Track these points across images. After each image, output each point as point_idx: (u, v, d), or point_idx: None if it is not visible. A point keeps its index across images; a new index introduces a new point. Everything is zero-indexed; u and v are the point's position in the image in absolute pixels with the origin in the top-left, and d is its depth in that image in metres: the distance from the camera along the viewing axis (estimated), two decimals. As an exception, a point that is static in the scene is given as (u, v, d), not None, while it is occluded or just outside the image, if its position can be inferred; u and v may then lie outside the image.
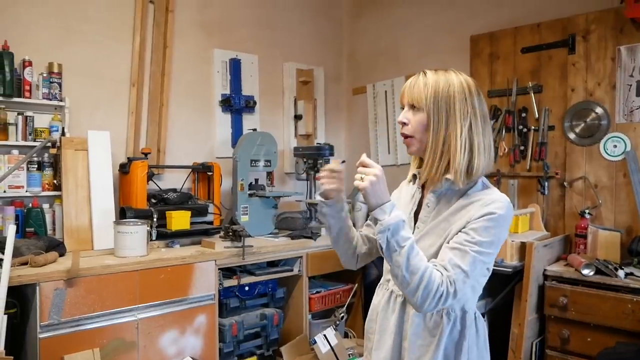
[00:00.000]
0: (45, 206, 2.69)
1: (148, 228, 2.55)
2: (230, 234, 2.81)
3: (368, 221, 1.53)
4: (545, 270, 2.71)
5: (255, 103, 3.69)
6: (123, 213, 2.77)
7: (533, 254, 2.61)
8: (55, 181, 2.73)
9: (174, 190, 3.13)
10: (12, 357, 1.96)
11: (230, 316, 2.85)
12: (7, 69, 2.54)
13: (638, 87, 2.81)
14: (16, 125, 2.65)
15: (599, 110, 2.94)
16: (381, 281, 1.48)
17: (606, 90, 2.92)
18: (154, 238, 2.70)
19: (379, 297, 1.46)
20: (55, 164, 2.74)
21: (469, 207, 1.27)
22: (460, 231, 1.25)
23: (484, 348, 1.38)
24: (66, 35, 2.89)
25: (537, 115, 3.16)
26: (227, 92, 3.59)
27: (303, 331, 3.09)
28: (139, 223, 2.52)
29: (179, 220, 2.84)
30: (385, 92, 4.02)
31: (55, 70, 2.74)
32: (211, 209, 3.18)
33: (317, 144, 3.89)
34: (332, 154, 3.41)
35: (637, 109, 2.82)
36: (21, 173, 2.62)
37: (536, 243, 2.65)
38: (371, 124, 4.14)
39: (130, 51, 3.14)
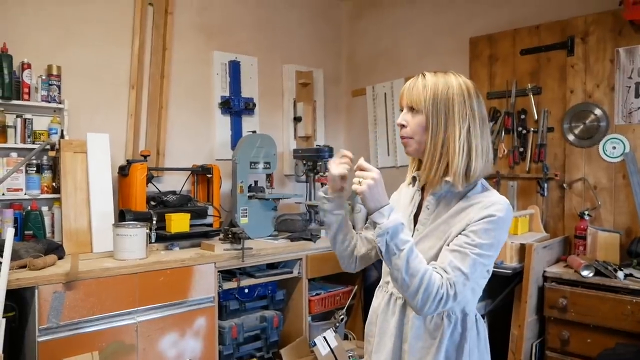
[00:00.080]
0: (44, 209, 2.68)
1: (147, 231, 2.55)
2: (230, 236, 2.81)
3: (367, 224, 1.53)
4: (544, 271, 2.71)
5: (254, 105, 3.69)
6: (122, 216, 2.77)
7: (533, 256, 2.61)
8: (54, 184, 2.72)
9: (174, 193, 3.13)
10: (10, 361, 1.96)
11: (230, 319, 2.84)
12: (5, 71, 2.54)
13: (637, 89, 2.82)
14: (15, 127, 2.64)
15: (598, 111, 2.95)
16: (380, 283, 1.48)
17: (605, 92, 2.93)
18: (153, 240, 2.69)
19: (379, 299, 1.46)
20: (54, 167, 2.74)
21: (468, 210, 1.27)
22: (460, 234, 1.25)
23: (485, 350, 1.38)
24: (65, 38, 2.89)
25: (536, 117, 3.17)
26: (227, 94, 3.59)
27: (303, 333, 3.08)
28: (138, 226, 2.52)
29: (179, 222, 2.84)
30: (385, 94, 4.02)
31: (55, 72, 2.73)
32: (210, 211, 3.18)
33: (316, 146, 3.88)
34: (331, 156, 3.40)
35: (635, 110, 2.83)
36: (20, 176, 2.61)
37: (536, 244, 2.66)
38: (370, 126, 4.14)
39: (130, 53, 3.13)
